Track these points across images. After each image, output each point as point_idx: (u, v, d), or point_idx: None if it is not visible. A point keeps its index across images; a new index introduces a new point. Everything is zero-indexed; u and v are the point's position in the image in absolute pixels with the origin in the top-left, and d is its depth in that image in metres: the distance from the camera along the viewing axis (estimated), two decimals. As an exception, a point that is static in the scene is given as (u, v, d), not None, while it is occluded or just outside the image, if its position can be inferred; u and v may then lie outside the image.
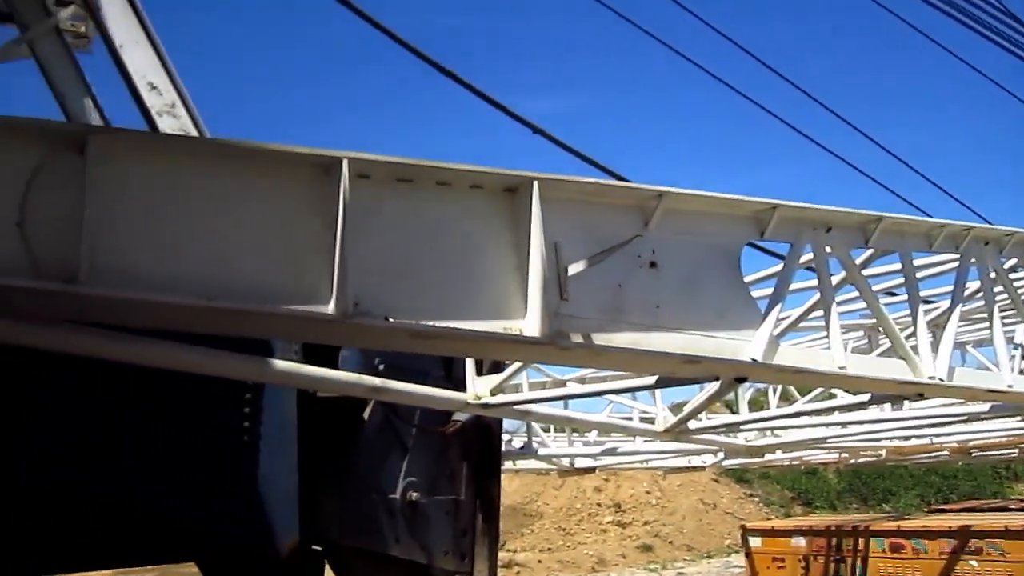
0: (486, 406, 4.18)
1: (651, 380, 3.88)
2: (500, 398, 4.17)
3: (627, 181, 4.63)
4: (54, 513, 3.79)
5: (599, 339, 3.11)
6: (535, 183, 2.96)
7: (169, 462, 4.17)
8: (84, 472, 3.92)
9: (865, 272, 4.30)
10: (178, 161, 2.37)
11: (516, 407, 4.45)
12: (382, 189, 2.77)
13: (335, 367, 5.15)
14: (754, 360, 3.43)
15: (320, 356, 4.76)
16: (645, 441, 8.52)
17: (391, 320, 2.63)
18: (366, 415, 5.97)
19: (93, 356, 2.71)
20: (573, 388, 4.74)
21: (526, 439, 8.25)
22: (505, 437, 9.36)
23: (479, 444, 7.36)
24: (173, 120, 4.98)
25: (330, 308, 2.46)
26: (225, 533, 4.39)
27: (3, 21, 7.03)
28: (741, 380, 3.65)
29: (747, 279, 4.41)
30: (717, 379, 3.63)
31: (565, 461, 10.09)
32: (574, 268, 3.11)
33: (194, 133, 4.60)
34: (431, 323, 2.72)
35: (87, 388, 3.95)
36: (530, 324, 2.88)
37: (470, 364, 4.37)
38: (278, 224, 2.51)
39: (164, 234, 2.33)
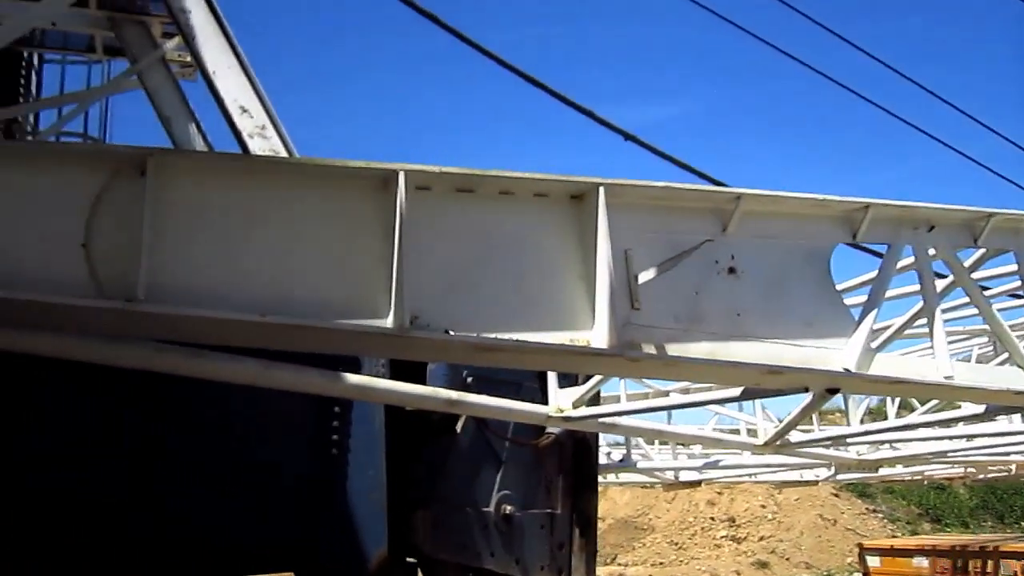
0: (568, 419, 4.08)
1: (739, 392, 3.68)
2: (583, 411, 4.06)
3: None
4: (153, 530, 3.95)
5: (673, 349, 2.97)
6: (600, 189, 2.86)
7: (258, 479, 4.29)
8: (181, 493, 4.08)
9: (977, 275, 3.97)
10: (236, 179, 2.41)
11: (602, 420, 4.32)
12: (442, 200, 2.74)
13: (423, 381, 5.20)
14: (846, 370, 3.21)
15: (408, 370, 4.81)
16: (752, 454, 8.20)
17: (451, 333, 2.59)
18: (458, 428, 6.00)
19: (184, 375, 2.78)
20: (655, 401, 4.56)
21: (625, 452, 8.07)
22: (605, 450, 9.26)
23: (575, 457, 7.25)
24: (263, 141, 5.12)
25: (388, 322, 2.44)
26: (314, 547, 4.46)
27: (115, 55, 7.50)
28: (833, 392, 3.41)
29: (843, 285, 4.17)
30: (806, 390, 3.41)
31: (669, 474, 9.83)
32: (645, 276, 2.99)
33: (283, 154, 4.73)
34: (493, 336, 2.66)
35: (185, 409, 4.13)
36: (598, 335, 2.78)
37: (552, 376, 4.28)
38: (335, 239, 2.51)
39: (221, 251, 2.37)
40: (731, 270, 3.19)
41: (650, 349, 2.93)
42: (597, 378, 4.02)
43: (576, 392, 4.08)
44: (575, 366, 3.06)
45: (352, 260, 2.52)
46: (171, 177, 2.32)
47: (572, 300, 2.85)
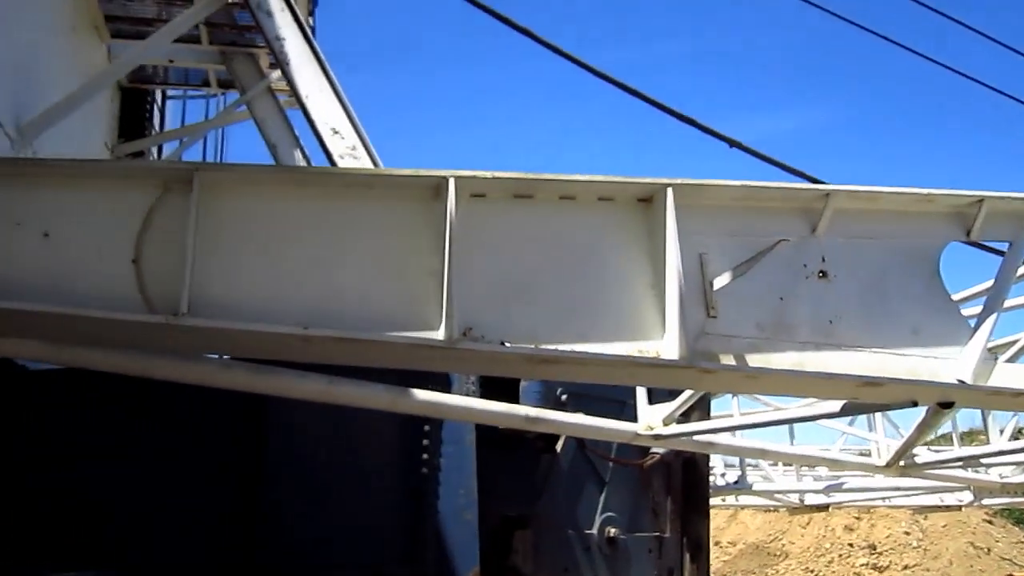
0: (659, 437, 3.87)
1: (838, 407, 3.38)
2: (674, 428, 3.84)
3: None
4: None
5: (755, 360, 2.74)
6: (669, 190, 2.69)
7: (349, 498, 4.30)
8: (273, 514, 4.14)
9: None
10: (285, 191, 2.39)
11: (696, 438, 4.08)
12: (499, 207, 2.64)
13: (516, 398, 5.10)
14: (961, 381, 2.87)
15: (500, 386, 4.72)
16: (887, 476, 7.62)
17: (507, 345, 2.48)
18: (558, 448, 5.85)
19: (247, 391, 2.80)
20: (749, 417, 4.25)
21: (740, 473, 7.67)
22: (719, 470, 8.86)
23: (684, 478, 6.95)
24: (354, 161, 5.21)
25: (439, 334, 2.35)
26: (405, 566, 4.43)
27: (229, 88, 7.87)
28: (946, 406, 3.06)
29: (961, 295, 3.77)
30: (915, 404, 3.08)
31: (793, 497, 9.30)
32: (722, 282, 2.79)
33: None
34: (552, 347, 2.52)
35: (278, 430, 4.20)
36: (668, 345, 2.60)
37: (641, 392, 4.08)
38: (385, 249, 2.45)
39: (268, 264, 2.35)
40: (822, 273, 2.93)
41: (728, 360, 2.72)
42: (688, 393, 3.79)
43: (667, 408, 3.87)
44: (643, 379, 2.88)
45: (402, 271, 2.45)
46: (220, 192, 2.33)
47: (640, 309, 2.67)
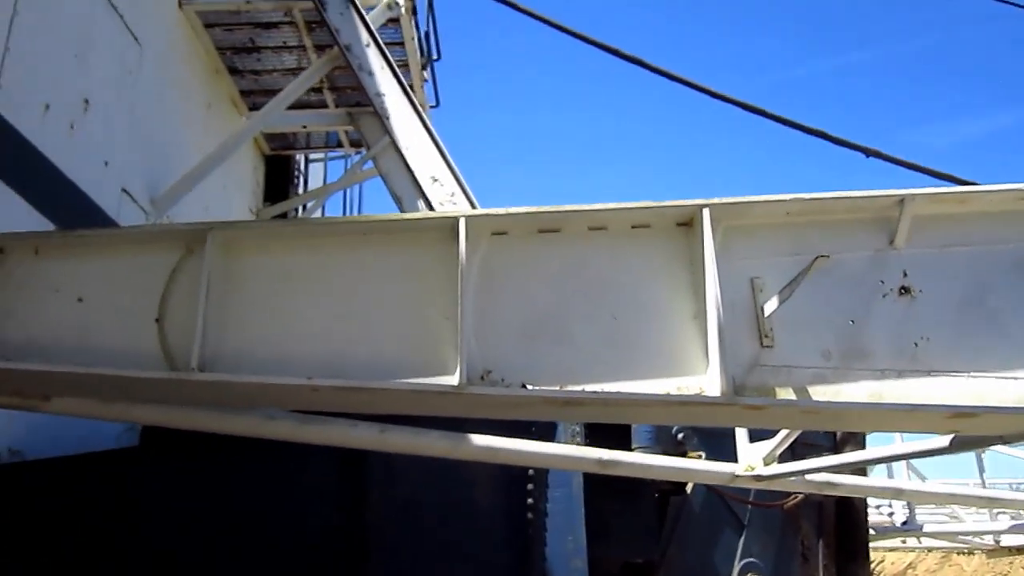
0: (760, 478, 3.55)
1: (946, 442, 2.94)
2: (775, 468, 3.51)
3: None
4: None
5: (821, 392, 2.46)
6: (705, 211, 2.48)
7: (453, 546, 4.27)
8: (381, 568, 4.17)
9: None
10: (298, 243, 2.43)
11: (808, 477, 3.71)
12: (523, 244, 2.54)
13: (627, 441, 4.90)
14: (1091, 407, 2.44)
15: (608, 428, 4.55)
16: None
17: (529, 388, 2.36)
18: (688, 489, 5.56)
19: (293, 441, 2.85)
20: (856, 455, 3.73)
21: (908, 513, 6.92)
22: (888, 510, 8.02)
23: (838, 519, 6.40)
24: (453, 208, 5.30)
25: (453, 379, 2.28)
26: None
27: (358, 147, 8.28)
28: None
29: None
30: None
31: (988, 539, 8.25)
32: (776, 307, 2.53)
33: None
34: (579, 388, 2.37)
35: (381, 483, 4.26)
36: (710, 381, 2.37)
37: (742, 434, 3.78)
38: (401, 296, 2.42)
39: (283, 317, 2.38)
40: (904, 290, 2.59)
41: (787, 393, 2.45)
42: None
43: (768, 446, 3.55)
44: (684, 417, 2.65)
45: (419, 316, 2.41)
46: (238, 249, 2.40)
47: (681, 343, 2.47)
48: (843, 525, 6.13)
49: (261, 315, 2.41)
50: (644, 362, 2.44)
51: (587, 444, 4.57)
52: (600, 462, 3.26)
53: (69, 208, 4.16)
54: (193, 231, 2.37)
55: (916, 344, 2.52)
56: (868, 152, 6.50)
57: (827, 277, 2.58)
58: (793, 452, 4.55)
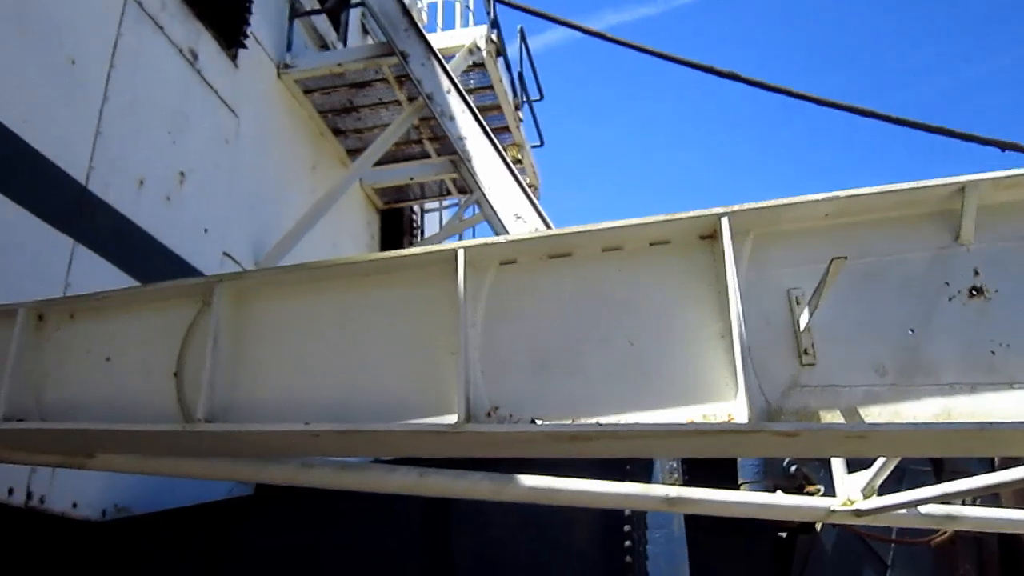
0: (861, 513, 3.15)
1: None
2: (877, 501, 3.11)
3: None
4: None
5: (874, 413, 2.16)
6: (724, 220, 2.27)
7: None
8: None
9: None
10: (301, 290, 2.43)
11: (924, 510, 3.26)
12: (533, 272, 2.41)
13: (732, 477, 4.56)
14: None
15: (711, 464, 4.26)
16: None
17: (539, 423, 2.21)
18: (818, 527, 5.09)
19: (331, 488, 2.83)
20: (967, 482, 3.14)
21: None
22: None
23: (1002, 555, 5.69)
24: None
25: (452, 418, 2.17)
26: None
27: (464, 192, 8.37)
28: None
29: None
30: None
31: None
32: (818, 321, 2.25)
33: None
34: (593, 420, 2.20)
35: (474, 527, 4.18)
36: (738, 407, 2.14)
37: (838, 464, 3.41)
38: (405, 334, 2.35)
39: (291, 364, 2.37)
40: (975, 291, 2.25)
41: (833, 416, 2.17)
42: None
43: (865, 477, 3.16)
44: (712, 449, 2.37)
45: (422, 354, 2.33)
46: (247, 298, 2.43)
47: (707, 367, 2.25)
48: (1008, 562, 5.40)
49: (272, 363, 2.42)
50: (664, 390, 2.24)
51: (685, 481, 4.31)
52: (667, 500, 3.01)
53: (169, 276, 4.43)
54: (205, 284, 2.43)
55: (993, 352, 2.17)
56: (1004, 146, 5.88)
57: (881, 282, 2.29)
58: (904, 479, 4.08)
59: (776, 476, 4.67)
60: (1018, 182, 2.26)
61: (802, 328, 2.23)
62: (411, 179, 7.56)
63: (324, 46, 6.91)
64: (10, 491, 3.30)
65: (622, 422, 2.19)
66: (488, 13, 6.24)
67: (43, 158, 3.67)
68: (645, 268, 2.39)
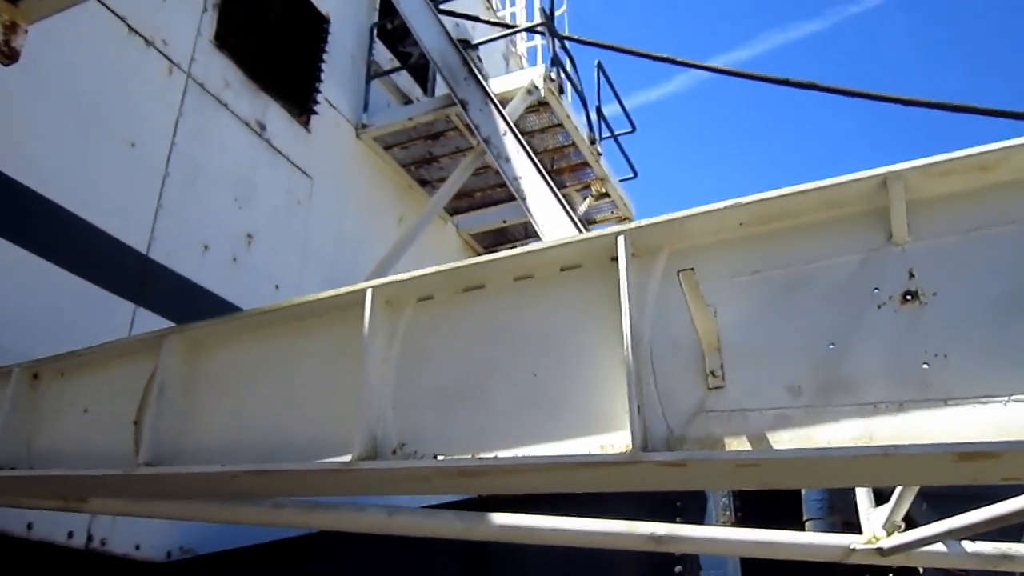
0: (887, 552, 2.80)
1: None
2: (901, 537, 2.76)
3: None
4: None
5: (785, 439, 1.97)
6: (620, 239, 2.17)
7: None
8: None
9: None
10: (248, 336, 2.54)
11: (970, 549, 2.84)
12: (447, 306, 2.41)
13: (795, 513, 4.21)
14: None
15: (773, 498, 3.97)
16: None
17: (440, 459, 2.18)
18: (921, 570, 4.58)
19: (302, 527, 2.90)
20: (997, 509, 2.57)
21: None
22: None
23: None
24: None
25: (347, 456, 2.19)
26: None
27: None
28: None
29: None
30: None
31: None
32: (731, 339, 2.10)
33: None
34: (493, 455, 2.13)
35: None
36: (626, 437, 2.01)
37: (863, 492, 3.07)
38: (327, 376, 2.40)
39: (229, 408, 2.48)
40: (909, 296, 2.01)
41: (738, 443, 2.00)
42: (901, 488, 2.72)
43: (885, 511, 2.81)
44: (602, 482, 2.18)
45: (339, 394, 2.36)
46: (202, 346, 2.59)
47: (610, 394, 2.14)
48: None
49: (218, 408, 2.54)
50: (566, 421, 2.14)
51: (737, 519, 4.02)
52: (654, 538, 2.83)
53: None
54: (156, 338, 2.61)
55: (927, 365, 1.91)
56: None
57: (803, 293, 2.09)
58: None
59: (842, 511, 4.25)
60: (953, 168, 2.00)
61: (705, 348, 2.07)
62: (504, 221, 7.67)
63: (408, 101, 7.22)
64: (70, 534, 3.65)
65: (518, 456, 2.11)
66: (551, 50, 6.28)
67: (103, 233, 4.09)
68: (556, 295, 2.31)
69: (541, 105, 6.26)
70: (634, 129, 7.81)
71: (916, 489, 2.79)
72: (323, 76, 6.10)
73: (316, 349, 2.50)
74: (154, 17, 4.66)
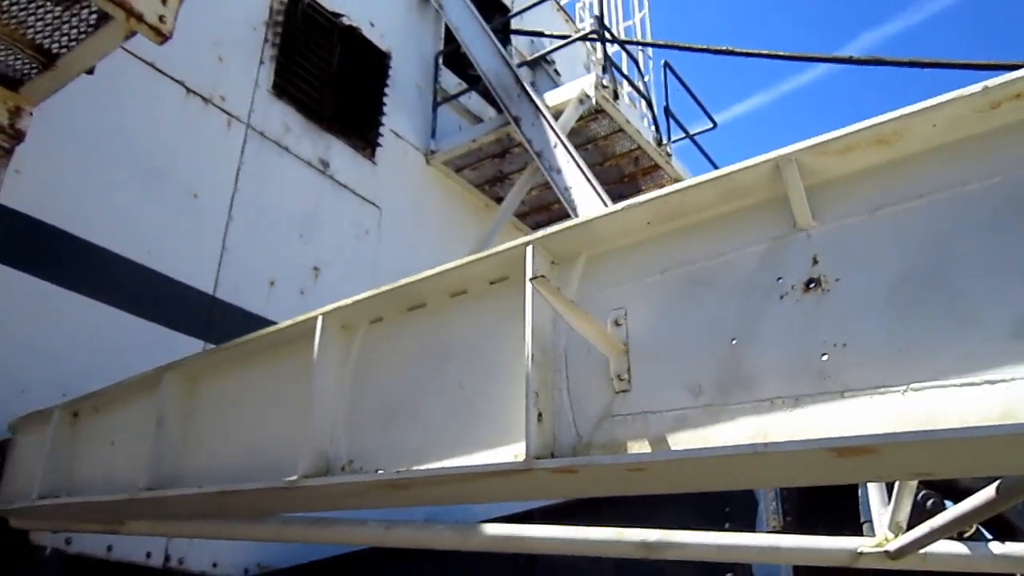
0: (897, 555, 2.61)
1: None
2: (907, 537, 2.56)
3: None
4: None
5: (683, 440, 1.94)
6: (528, 249, 2.21)
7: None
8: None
9: None
10: (232, 366, 2.74)
11: (991, 552, 2.58)
12: (395, 326, 2.52)
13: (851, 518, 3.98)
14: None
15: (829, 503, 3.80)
16: None
17: (380, 473, 2.27)
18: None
19: (301, 542, 3.07)
20: None
21: None
22: None
23: None
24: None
25: (294, 475, 2.32)
26: None
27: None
28: None
29: None
30: None
31: None
32: (638, 342, 2.09)
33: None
34: (423, 468, 2.21)
35: None
36: (523, 445, 2.04)
37: (875, 489, 2.87)
38: (287, 400, 2.55)
39: (218, 434, 2.69)
40: (812, 283, 1.94)
41: (640, 447, 1.98)
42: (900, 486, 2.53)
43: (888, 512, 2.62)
44: (509, 491, 2.14)
45: (296, 417, 2.51)
46: (200, 377, 2.82)
47: (521, 404, 2.17)
48: None
49: (209, 433, 2.76)
50: (487, 432, 2.19)
51: (786, 524, 3.86)
52: (645, 545, 2.78)
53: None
54: (156, 373, 2.87)
55: (825, 356, 1.83)
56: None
57: (708, 289, 2.05)
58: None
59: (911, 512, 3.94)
60: (850, 144, 1.90)
61: (606, 352, 2.06)
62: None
63: (480, 122, 7.39)
64: (148, 554, 4.02)
65: (432, 468, 2.17)
66: (604, 58, 6.24)
67: (169, 279, 4.49)
68: (487, 308, 2.37)
69: (599, 112, 6.25)
70: (715, 125, 7.61)
71: (914, 485, 2.60)
72: (386, 109, 6.37)
73: (285, 374, 2.66)
74: (211, 77, 5.08)
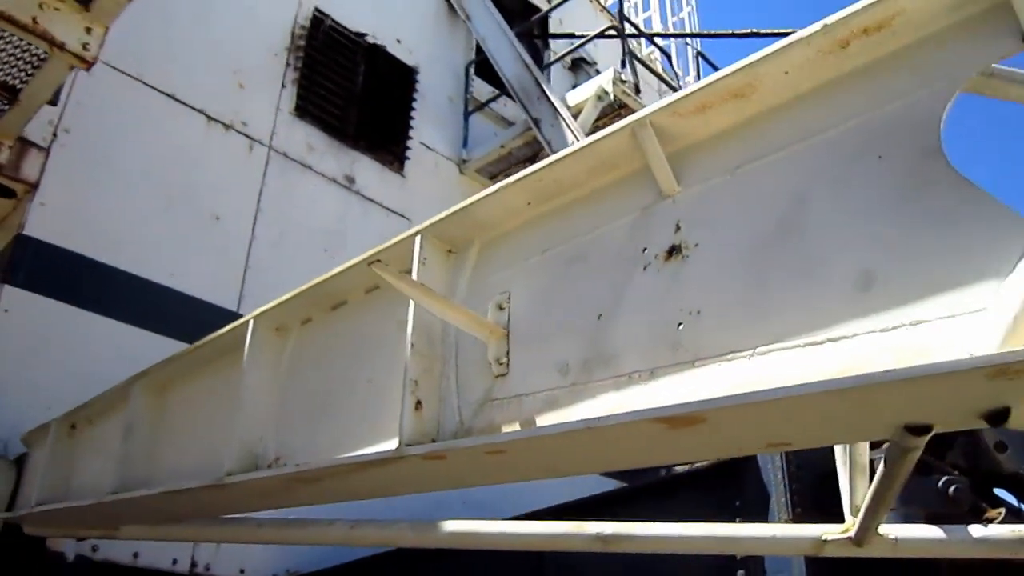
0: (856, 541, 2.42)
1: None
2: (862, 521, 2.37)
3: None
4: None
5: (550, 420, 1.89)
6: (417, 239, 2.22)
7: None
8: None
9: None
10: (197, 372, 2.85)
11: (974, 537, 2.35)
12: (322, 325, 2.57)
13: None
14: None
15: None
16: None
17: (298, 466, 2.31)
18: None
19: (269, 543, 3.13)
20: None
21: None
22: None
23: None
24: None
25: (220, 473, 2.38)
26: None
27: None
28: (999, 418, 1.34)
29: None
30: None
31: None
32: (513, 322, 2.06)
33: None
34: (319, 462, 2.23)
35: None
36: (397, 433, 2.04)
37: (844, 480, 2.68)
38: (223, 402, 2.62)
39: (181, 437, 2.80)
40: (673, 251, 1.88)
41: (512, 427, 1.95)
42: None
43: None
44: (392, 481, 2.09)
45: (231, 418, 2.57)
46: (168, 386, 2.95)
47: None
48: None
49: (170, 439, 2.88)
50: (383, 423, 2.19)
51: (796, 516, 3.68)
52: (600, 538, 2.69)
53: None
54: (128, 383, 3.01)
55: (680, 325, 1.77)
56: None
57: (581, 266, 2.01)
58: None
59: (928, 500, 3.65)
60: (705, 100, 1.81)
61: (487, 336, 2.04)
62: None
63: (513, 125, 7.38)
64: (174, 561, 4.19)
65: (332, 461, 2.19)
66: (623, 53, 6.11)
67: (193, 299, 4.71)
68: (396, 302, 2.37)
69: (622, 108, 6.14)
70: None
71: (866, 462, 2.42)
72: (415, 123, 6.47)
73: (230, 377, 2.75)
74: (232, 103, 5.30)
